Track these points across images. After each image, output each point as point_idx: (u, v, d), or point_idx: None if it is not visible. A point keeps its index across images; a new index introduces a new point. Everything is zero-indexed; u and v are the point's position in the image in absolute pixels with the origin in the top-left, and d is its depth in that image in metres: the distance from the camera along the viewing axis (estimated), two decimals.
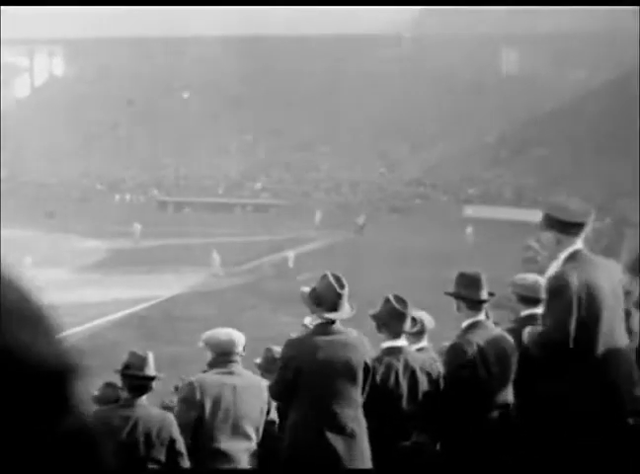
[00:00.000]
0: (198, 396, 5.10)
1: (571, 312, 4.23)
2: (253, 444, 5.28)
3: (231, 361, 5.28)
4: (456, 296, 5.06)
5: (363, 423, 4.69)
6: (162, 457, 4.97)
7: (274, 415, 5.46)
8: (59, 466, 0.93)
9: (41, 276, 39.26)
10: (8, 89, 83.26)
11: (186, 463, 5.01)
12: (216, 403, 5.13)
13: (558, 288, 4.32)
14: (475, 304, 5.06)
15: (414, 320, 5.31)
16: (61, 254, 45.75)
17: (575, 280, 4.26)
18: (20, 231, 50.03)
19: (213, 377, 5.27)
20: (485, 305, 5.13)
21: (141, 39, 77.60)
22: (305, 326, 6.24)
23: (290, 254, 43.44)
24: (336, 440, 4.58)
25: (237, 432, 5.20)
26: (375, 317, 5.16)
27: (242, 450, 5.21)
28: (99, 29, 76.47)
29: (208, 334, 5.39)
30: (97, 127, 74.29)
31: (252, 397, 5.27)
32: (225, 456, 5.14)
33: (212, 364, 5.33)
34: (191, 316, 29.15)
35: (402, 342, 5.14)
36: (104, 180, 68.91)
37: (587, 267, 4.30)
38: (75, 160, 70.76)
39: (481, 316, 5.09)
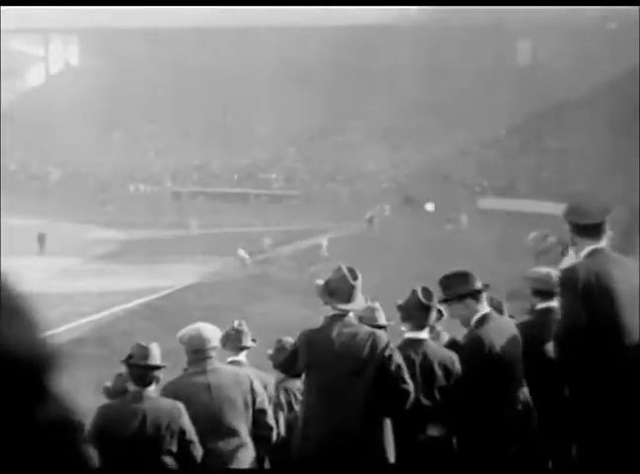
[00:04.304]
0: None
1: (579, 307, 4.21)
2: (243, 439, 5.23)
3: (205, 358, 5.20)
4: (459, 297, 5.03)
5: (375, 417, 4.65)
6: (174, 448, 4.95)
7: (264, 404, 5.39)
8: (39, 453, 0.94)
9: (57, 265, 39.48)
10: (23, 78, 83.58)
11: (198, 451, 5.00)
12: (192, 405, 5.05)
13: (565, 282, 4.34)
14: (476, 295, 5.03)
15: (440, 312, 5.26)
16: (77, 243, 45.94)
17: (584, 274, 4.24)
18: (33, 221, 50.31)
19: (184, 380, 5.23)
20: (485, 295, 5.10)
21: (156, 29, 77.64)
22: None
23: (324, 241, 42.79)
24: (344, 435, 4.57)
25: (221, 430, 5.15)
26: (401, 308, 5.14)
27: (232, 447, 5.17)
28: (114, 18, 76.57)
29: (182, 331, 5.32)
30: (111, 117, 74.44)
31: (231, 391, 5.21)
32: (214, 455, 5.10)
33: (188, 363, 5.29)
34: (204, 306, 29.19)
35: (424, 334, 5.09)
36: (118, 170, 69.10)
37: (601, 262, 4.26)
38: (90, 150, 70.95)
39: (487, 308, 5.08)
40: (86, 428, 6.03)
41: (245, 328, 6.01)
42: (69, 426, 0.99)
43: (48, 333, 0.99)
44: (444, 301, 5.08)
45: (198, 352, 5.21)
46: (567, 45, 67.40)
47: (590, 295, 4.20)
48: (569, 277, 4.31)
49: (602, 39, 63.87)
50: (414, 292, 5.06)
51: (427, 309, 5.02)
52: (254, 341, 6.08)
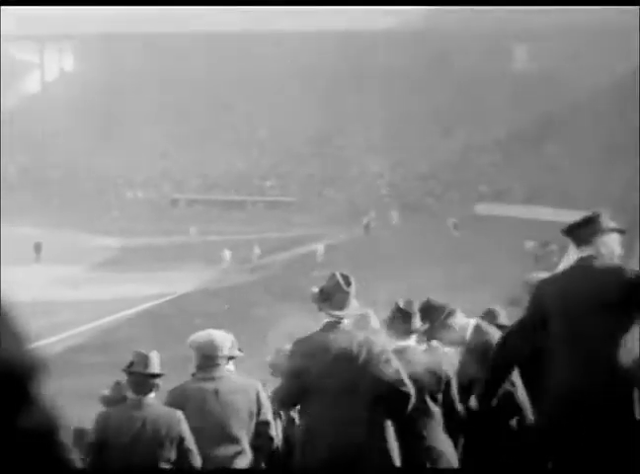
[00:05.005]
0: (178, 406, 5.10)
1: (532, 321, 4.36)
2: (243, 447, 5.26)
3: (214, 365, 5.26)
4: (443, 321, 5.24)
5: (375, 425, 4.66)
6: (172, 456, 4.98)
7: (268, 416, 5.43)
8: (23, 460, 0.95)
9: (57, 272, 39.48)
10: (18, 85, 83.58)
11: (196, 460, 5.02)
12: (198, 411, 5.12)
13: (533, 291, 4.48)
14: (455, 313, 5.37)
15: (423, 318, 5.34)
16: (76, 251, 45.93)
17: (547, 288, 4.37)
18: (32, 228, 50.29)
19: (193, 385, 5.28)
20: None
21: (153, 33, 77.68)
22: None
23: (320, 247, 42.97)
24: (347, 441, 4.58)
25: (224, 437, 5.19)
26: (384, 320, 5.25)
27: (231, 455, 5.20)
28: (109, 24, 76.67)
29: (193, 337, 5.38)
30: (107, 124, 74.35)
31: (237, 400, 5.26)
32: (213, 461, 5.13)
33: (197, 368, 5.34)
34: (203, 312, 29.22)
35: (410, 342, 5.17)
36: (115, 177, 69.09)
37: (583, 270, 4.30)
38: (86, 157, 70.92)
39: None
40: (86, 434, 6.06)
41: (232, 337, 6.04)
42: (51, 431, 1.00)
43: (36, 342, 1.00)
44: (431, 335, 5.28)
45: (208, 358, 5.27)
46: (566, 47, 67.41)
47: (548, 314, 4.28)
48: (538, 287, 4.44)
49: (602, 40, 63.87)
50: (396, 304, 5.17)
51: (407, 316, 5.11)
52: (240, 350, 6.11)
